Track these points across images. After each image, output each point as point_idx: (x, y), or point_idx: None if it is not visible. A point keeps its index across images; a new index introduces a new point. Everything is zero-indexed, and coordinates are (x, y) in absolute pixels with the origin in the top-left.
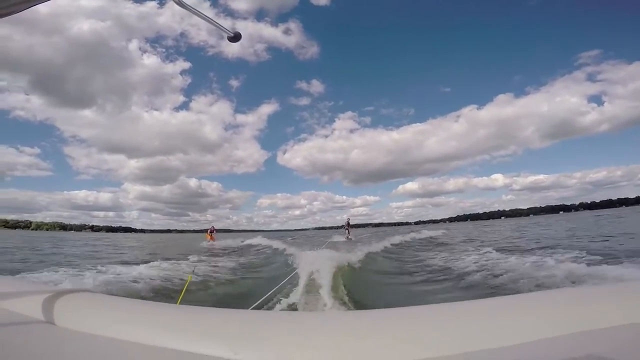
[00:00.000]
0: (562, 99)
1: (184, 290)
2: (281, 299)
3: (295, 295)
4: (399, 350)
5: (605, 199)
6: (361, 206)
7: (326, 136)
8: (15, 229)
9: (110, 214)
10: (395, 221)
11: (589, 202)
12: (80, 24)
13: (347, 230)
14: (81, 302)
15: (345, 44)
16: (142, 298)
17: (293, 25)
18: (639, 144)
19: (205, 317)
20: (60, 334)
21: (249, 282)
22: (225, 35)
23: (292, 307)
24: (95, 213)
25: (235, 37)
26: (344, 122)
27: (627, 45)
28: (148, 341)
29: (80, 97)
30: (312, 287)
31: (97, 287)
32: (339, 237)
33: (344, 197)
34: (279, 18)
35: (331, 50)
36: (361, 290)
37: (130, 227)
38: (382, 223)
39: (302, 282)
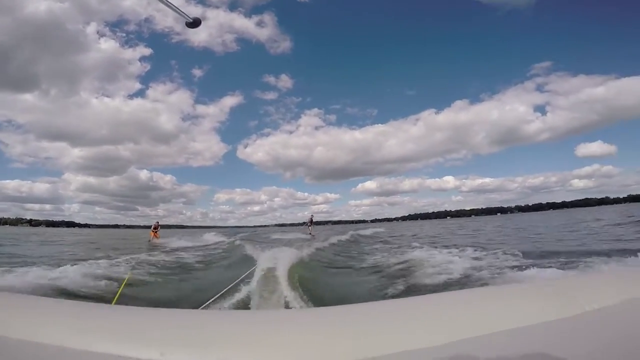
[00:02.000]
0: (511, 108)
1: (120, 291)
2: (235, 297)
3: (251, 293)
4: (336, 348)
5: (537, 203)
6: (322, 203)
7: (291, 132)
8: None
9: (47, 206)
10: (354, 219)
11: (523, 205)
12: (36, 3)
13: (309, 227)
14: None
15: (319, 41)
16: (73, 298)
17: (268, 17)
18: (572, 153)
19: (133, 318)
20: None
21: (198, 282)
22: (185, 21)
23: (245, 306)
24: (29, 205)
25: (194, 23)
26: (310, 118)
27: (575, 58)
28: (64, 343)
29: (22, 79)
30: (268, 281)
31: (23, 288)
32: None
33: (306, 194)
34: (254, 10)
35: (304, 47)
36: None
37: (74, 222)
38: (341, 220)
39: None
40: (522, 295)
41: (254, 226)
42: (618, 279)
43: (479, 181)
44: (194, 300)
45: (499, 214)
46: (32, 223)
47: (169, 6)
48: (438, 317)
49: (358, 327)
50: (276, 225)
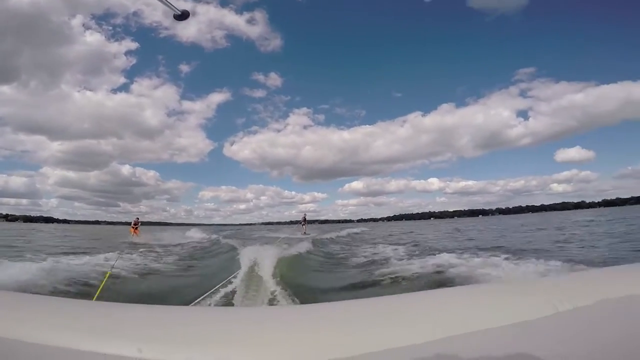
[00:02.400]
0: (495, 112)
1: (101, 287)
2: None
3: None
4: (322, 345)
5: (517, 206)
6: (310, 202)
7: (279, 130)
8: None
9: (24, 201)
10: (341, 218)
11: (504, 207)
12: None
13: (303, 226)
14: None
15: (310, 41)
16: (51, 295)
17: (259, 15)
18: (551, 158)
19: (113, 314)
20: None
21: (191, 279)
22: (173, 13)
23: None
24: (5, 200)
25: (183, 16)
26: (299, 117)
27: (558, 65)
28: (43, 340)
29: (1, 71)
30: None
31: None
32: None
33: (293, 192)
34: (246, 6)
35: (294, 45)
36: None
37: (52, 217)
38: (328, 220)
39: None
40: (498, 294)
41: (240, 224)
42: (593, 280)
43: (462, 183)
44: (179, 298)
45: (480, 215)
46: (9, 218)
47: None
48: (424, 314)
49: (346, 324)
50: (262, 223)
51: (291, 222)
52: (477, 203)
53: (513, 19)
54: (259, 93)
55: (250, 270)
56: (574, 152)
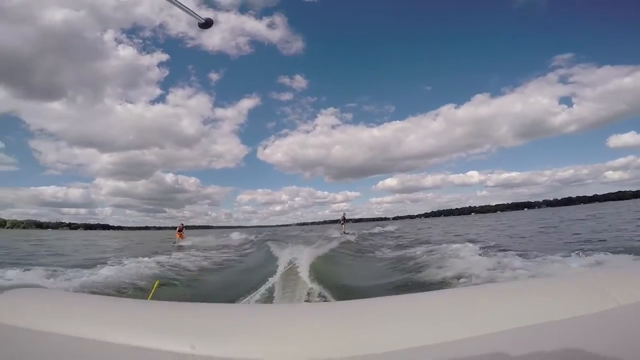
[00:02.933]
0: (535, 100)
1: (155, 287)
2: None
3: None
4: (372, 340)
5: (566, 197)
6: (342, 202)
7: (308, 132)
8: None
9: (82, 210)
10: (375, 216)
11: (551, 199)
12: (52, 13)
13: (342, 225)
14: (29, 300)
15: (331, 40)
16: (112, 295)
17: (278, 19)
18: (603, 144)
19: (167, 312)
20: (8, 333)
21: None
22: (197, 22)
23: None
24: (66, 210)
25: (207, 24)
26: (326, 117)
27: (599, 49)
28: (98, 337)
29: (49, 88)
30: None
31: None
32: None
33: (326, 192)
34: (264, 11)
35: (316, 46)
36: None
37: (108, 225)
38: (362, 218)
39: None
40: (546, 290)
41: (276, 225)
42: None
43: (505, 175)
44: (228, 296)
45: (525, 209)
46: (71, 226)
47: (180, 7)
48: (454, 312)
49: (371, 321)
50: (297, 224)
51: (325, 222)
52: (522, 195)
53: (540, 4)
54: (286, 96)
55: (289, 268)
56: (629, 137)
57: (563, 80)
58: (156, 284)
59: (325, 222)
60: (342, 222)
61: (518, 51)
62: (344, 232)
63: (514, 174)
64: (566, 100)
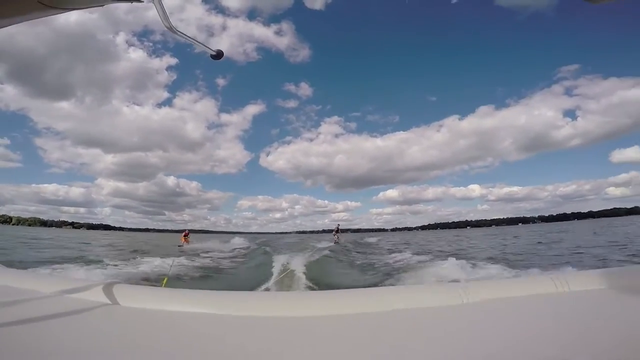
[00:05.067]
0: (539, 112)
1: (163, 283)
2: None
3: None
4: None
5: (561, 213)
6: (342, 211)
7: (311, 140)
8: None
9: (81, 209)
10: (374, 227)
11: (546, 215)
12: (67, 15)
13: (336, 235)
14: (125, 288)
15: (337, 49)
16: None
17: (286, 26)
18: (606, 159)
19: (181, 298)
20: (125, 312)
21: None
22: (209, 54)
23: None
24: (65, 208)
25: (218, 55)
26: (330, 126)
27: (605, 60)
28: (214, 311)
29: (58, 88)
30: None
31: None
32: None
33: (326, 201)
34: (272, 18)
35: (322, 55)
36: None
37: (109, 225)
38: (360, 229)
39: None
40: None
41: (275, 232)
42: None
43: (506, 189)
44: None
45: (520, 224)
46: (74, 226)
47: (193, 42)
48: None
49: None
50: (296, 232)
51: (323, 231)
52: (523, 210)
53: (546, 15)
54: (291, 103)
55: (285, 269)
56: (632, 152)
57: (568, 92)
58: (164, 282)
59: (324, 231)
60: (335, 232)
61: (523, 62)
62: (337, 242)
63: (515, 188)
64: (570, 114)
